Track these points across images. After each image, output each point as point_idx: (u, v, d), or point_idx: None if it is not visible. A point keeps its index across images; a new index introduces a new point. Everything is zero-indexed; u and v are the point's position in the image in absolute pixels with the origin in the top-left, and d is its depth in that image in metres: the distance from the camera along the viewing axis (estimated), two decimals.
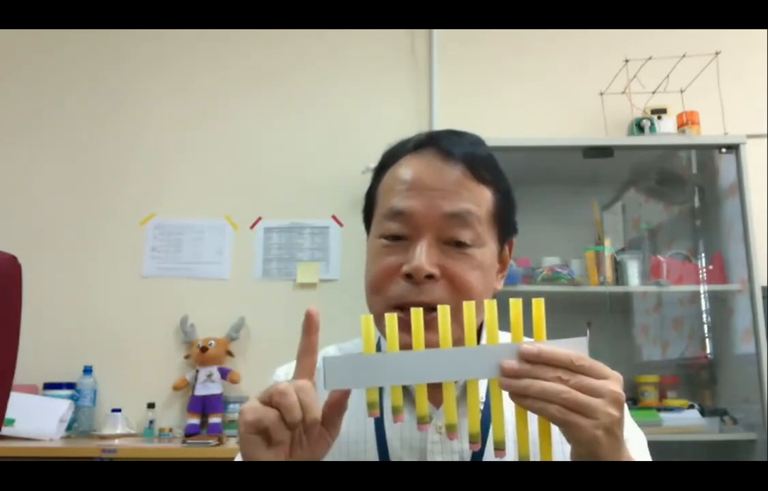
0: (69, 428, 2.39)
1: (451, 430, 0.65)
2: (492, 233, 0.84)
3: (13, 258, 1.01)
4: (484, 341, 0.84)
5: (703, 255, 2.55)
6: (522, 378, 0.63)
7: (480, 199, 0.82)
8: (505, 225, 0.86)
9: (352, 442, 0.83)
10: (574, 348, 0.64)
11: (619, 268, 2.44)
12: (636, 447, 0.82)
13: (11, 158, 2.81)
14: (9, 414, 1.04)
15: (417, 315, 0.67)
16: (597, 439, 0.61)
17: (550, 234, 2.50)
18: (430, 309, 0.70)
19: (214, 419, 2.47)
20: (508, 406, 0.65)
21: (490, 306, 0.66)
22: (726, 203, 2.43)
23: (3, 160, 2.80)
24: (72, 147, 2.81)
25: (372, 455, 0.82)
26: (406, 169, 0.84)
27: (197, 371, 2.53)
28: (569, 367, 0.63)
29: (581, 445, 0.62)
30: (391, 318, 0.66)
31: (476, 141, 0.88)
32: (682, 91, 2.62)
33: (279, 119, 2.84)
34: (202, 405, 2.49)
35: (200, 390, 2.50)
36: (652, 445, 0.86)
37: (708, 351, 2.50)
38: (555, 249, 2.50)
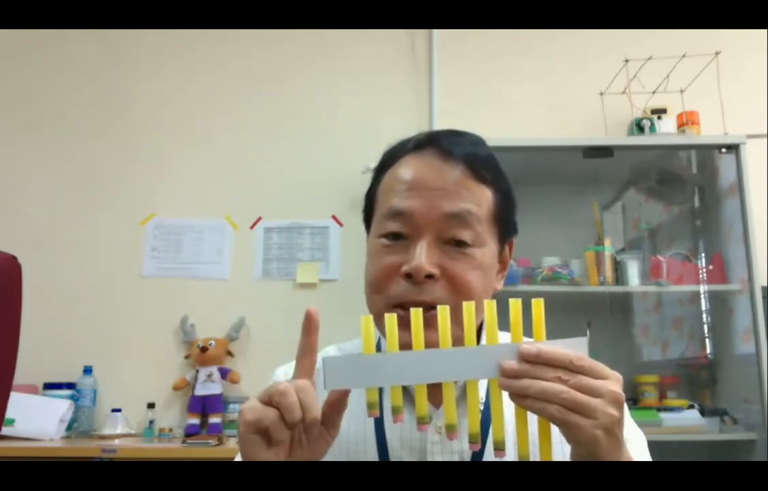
0: (69, 428, 2.39)
1: (450, 430, 0.65)
2: (492, 233, 0.84)
3: (13, 258, 1.01)
4: (483, 341, 0.84)
5: (703, 255, 2.55)
6: (521, 379, 0.63)
7: (480, 199, 0.82)
8: (505, 225, 0.86)
9: (352, 442, 0.83)
10: (573, 349, 0.64)
11: (619, 268, 2.44)
12: (636, 447, 0.82)
13: (11, 158, 2.81)
14: (9, 414, 1.04)
15: (417, 315, 0.67)
16: (597, 439, 0.61)
17: (550, 234, 2.50)
18: (430, 307, 0.71)
19: (214, 419, 2.47)
20: (507, 406, 0.65)
21: (490, 307, 0.66)
22: (726, 203, 2.43)
23: (3, 160, 2.80)
24: (72, 147, 2.81)
25: (372, 455, 0.82)
26: (406, 169, 0.84)
27: (197, 371, 2.54)
28: (569, 367, 0.63)
29: (581, 445, 0.62)
30: (391, 319, 0.66)
31: (477, 141, 0.88)
32: (682, 91, 2.62)
33: (279, 119, 2.84)
34: (202, 405, 2.49)
35: (200, 390, 2.50)
36: (652, 445, 0.86)
37: (708, 351, 2.50)
38: (555, 249, 2.50)
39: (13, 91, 2.87)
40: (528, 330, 0.66)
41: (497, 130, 2.41)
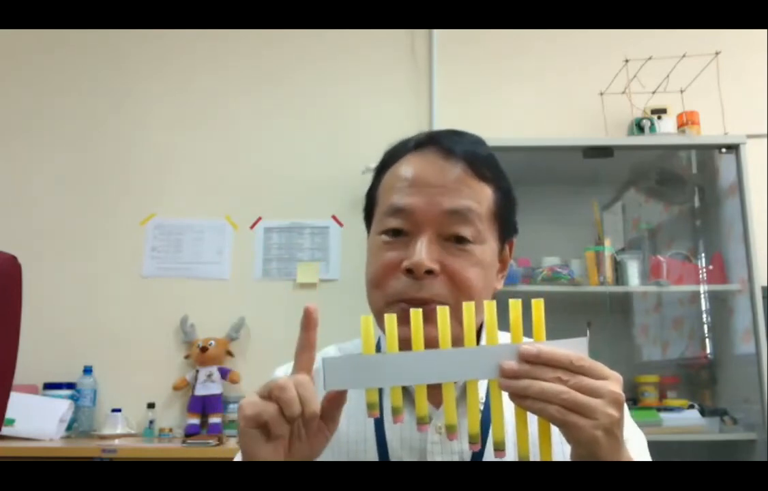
0: (69, 428, 2.39)
1: (450, 431, 0.65)
2: (492, 231, 0.84)
3: (13, 258, 1.01)
4: (483, 341, 0.84)
5: (703, 255, 2.55)
6: (521, 379, 0.63)
7: (481, 197, 0.82)
8: (505, 223, 0.86)
9: (352, 442, 0.83)
10: (573, 349, 0.64)
11: (619, 268, 2.44)
12: (636, 447, 0.82)
13: (11, 158, 2.81)
14: (9, 414, 1.04)
15: (416, 315, 0.67)
16: (596, 440, 0.61)
17: (550, 234, 2.50)
18: (429, 303, 0.71)
19: (214, 419, 2.47)
20: (507, 407, 0.65)
21: (490, 307, 0.66)
22: (726, 203, 2.43)
23: (3, 160, 2.80)
24: (72, 147, 2.81)
25: (372, 455, 0.82)
26: (407, 167, 0.84)
27: (197, 371, 2.54)
28: (569, 368, 0.63)
29: (581, 446, 0.62)
30: (391, 319, 0.66)
31: (477, 140, 0.88)
32: (682, 91, 2.62)
33: (279, 119, 2.84)
34: (202, 405, 2.49)
35: (200, 390, 2.50)
36: (652, 445, 0.86)
37: (708, 351, 2.50)
38: (555, 249, 2.50)
39: (13, 91, 2.87)
40: (528, 331, 0.66)
41: (497, 130, 2.42)
